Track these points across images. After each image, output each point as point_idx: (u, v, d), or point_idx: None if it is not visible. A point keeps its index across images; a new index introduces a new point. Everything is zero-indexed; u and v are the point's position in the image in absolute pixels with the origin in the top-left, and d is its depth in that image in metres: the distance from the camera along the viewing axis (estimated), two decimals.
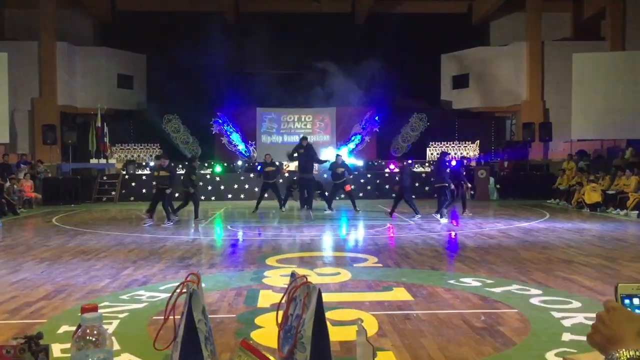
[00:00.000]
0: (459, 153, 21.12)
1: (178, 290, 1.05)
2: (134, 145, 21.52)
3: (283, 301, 1.18)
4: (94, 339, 1.00)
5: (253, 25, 21.75)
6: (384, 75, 19.75)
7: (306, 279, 1.11)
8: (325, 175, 16.77)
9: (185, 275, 1.13)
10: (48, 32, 20.29)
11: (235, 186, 18.91)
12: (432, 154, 21.39)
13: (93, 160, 19.60)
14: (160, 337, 1.14)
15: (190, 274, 1.08)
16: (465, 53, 22.56)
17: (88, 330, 1.01)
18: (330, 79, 19.96)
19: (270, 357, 0.82)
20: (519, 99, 21.55)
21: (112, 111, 21.41)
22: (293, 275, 1.17)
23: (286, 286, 1.23)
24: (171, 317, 1.08)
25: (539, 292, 5.65)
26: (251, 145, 21.82)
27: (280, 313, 1.16)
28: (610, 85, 17.82)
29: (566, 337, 4.23)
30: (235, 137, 21.82)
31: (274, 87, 20.68)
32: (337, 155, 14.96)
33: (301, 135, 16.63)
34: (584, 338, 3.84)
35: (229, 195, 18.74)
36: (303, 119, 22.15)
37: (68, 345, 1.10)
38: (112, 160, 19.86)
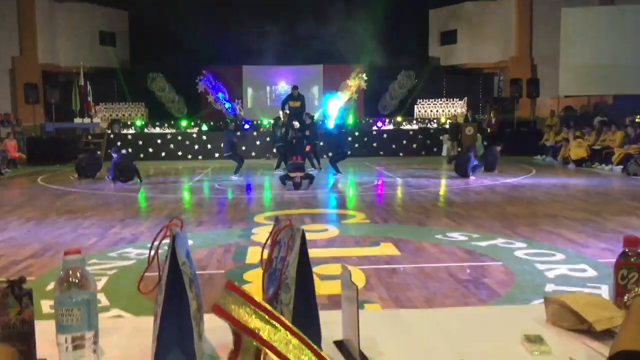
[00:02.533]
0: (449, 111, 21.11)
1: (162, 234, 1.04)
2: (119, 105, 21.22)
3: (268, 243, 1.18)
4: (77, 281, 1.00)
5: None
6: (371, 31, 19.47)
7: (290, 221, 1.11)
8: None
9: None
10: None
11: (222, 144, 18.75)
12: (419, 111, 21.31)
13: (77, 120, 19.31)
14: (146, 285, 1.14)
15: (174, 218, 1.07)
16: (453, 8, 22.27)
17: (71, 272, 1.00)
18: (317, 35, 19.63)
19: (255, 297, 0.82)
20: (506, 55, 21.43)
21: (94, 69, 21.02)
22: (277, 219, 1.17)
23: None
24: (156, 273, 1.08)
25: (524, 245, 5.74)
26: (237, 103, 21.60)
27: (265, 252, 1.16)
28: (598, 40, 17.70)
29: (550, 288, 4.32)
30: (221, 95, 21.58)
31: (260, 44, 20.36)
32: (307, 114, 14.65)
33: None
34: (567, 289, 3.91)
35: (216, 154, 18.61)
36: (289, 76, 21.90)
37: None
38: (96, 120, 19.58)
